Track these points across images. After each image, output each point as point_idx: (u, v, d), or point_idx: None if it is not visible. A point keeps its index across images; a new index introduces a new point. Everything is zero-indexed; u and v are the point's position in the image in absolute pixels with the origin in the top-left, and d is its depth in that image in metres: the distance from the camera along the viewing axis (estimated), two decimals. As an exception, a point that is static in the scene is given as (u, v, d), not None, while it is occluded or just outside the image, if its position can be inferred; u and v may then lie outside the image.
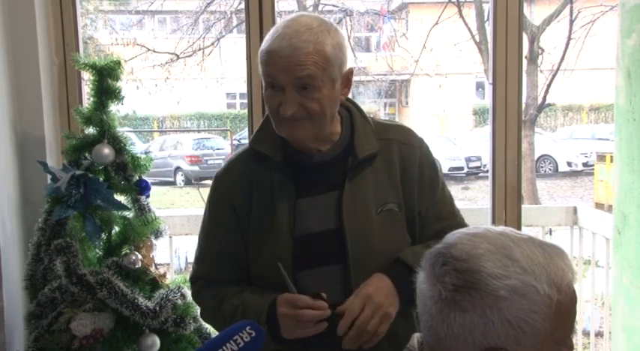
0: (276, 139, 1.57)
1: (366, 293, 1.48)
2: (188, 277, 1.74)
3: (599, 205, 9.78)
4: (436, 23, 9.50)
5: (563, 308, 0.97)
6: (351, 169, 1.55)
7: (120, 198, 2.13)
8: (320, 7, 10.17)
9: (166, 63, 10.33)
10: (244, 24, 2.55)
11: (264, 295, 1.53)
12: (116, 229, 2.16)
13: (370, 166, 1.56)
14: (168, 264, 3.48)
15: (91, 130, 2.17)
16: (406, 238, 1.58)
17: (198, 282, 1.68)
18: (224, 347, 1.57)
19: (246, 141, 2.83)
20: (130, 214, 2.15)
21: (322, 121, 1.49)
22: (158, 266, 2.26)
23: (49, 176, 2.17)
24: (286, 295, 1.48)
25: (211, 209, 1.65)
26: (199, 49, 10.15)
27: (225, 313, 1.58)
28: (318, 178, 1.56)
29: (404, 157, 1.59)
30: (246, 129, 2.69)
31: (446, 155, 12.71)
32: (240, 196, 1.59)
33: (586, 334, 3.95)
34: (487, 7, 8.50)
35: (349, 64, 1.53)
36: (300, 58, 1.43)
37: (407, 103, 16.90)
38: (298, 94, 1.45)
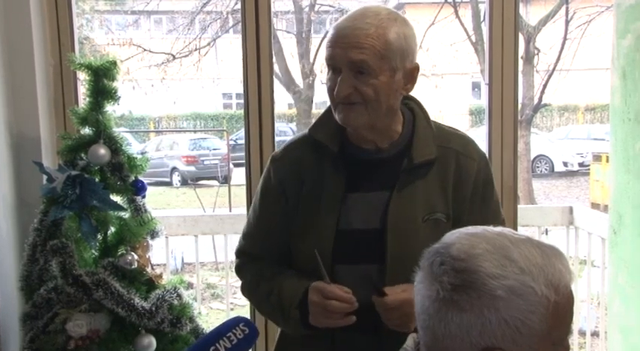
0: (336, 129, 1.56)
1: (407, 298, 1.42)
2: (235, 250, 1.75)
3: (594, 205, 9.80)
4: (432, 23, 9.52)
5: (560, 309, 0.97)
6: (404, 172, 1.53)
7: (116, 198, 2.13)
8: (316, 7, 10.18)
9: (162, 63, 10.33)
10: (240, 24, 2.55)
11: (301, 280, 1.54)
12: (112, 229, 2.16)
13: (425, 172, 1.54)
14: (164, 264, 3.47)
15: (86, 131, 2.16)
16: None
17: (242, 257, 1.70)
18: (217, 344, 1.57)
19: (242, 141, 2.82)
20: (125, 215, 2.15)
21: (376, 108, 1.47)
22: (154, 267, 2.25)
23: (44, 177, 2.17)
24: (318, 284, 1.48)
25: (263, 190, 1.66)
26: (195, 50, 10.15)
27: (262, 292, 1.61)
28: (371, 175, 1.56)
29: (460, 169, 1.56)
30: (243, 129, 2.69)
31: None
32: (292, 181, 1.59)
33: (582, 333, 3.96)
34: (483, 8, 8.51)
35: (416, 59, 1.51)
36: (359, 40, 1.42)
37: (403, 104, 16.91)
38: (354, 77, 1.44)
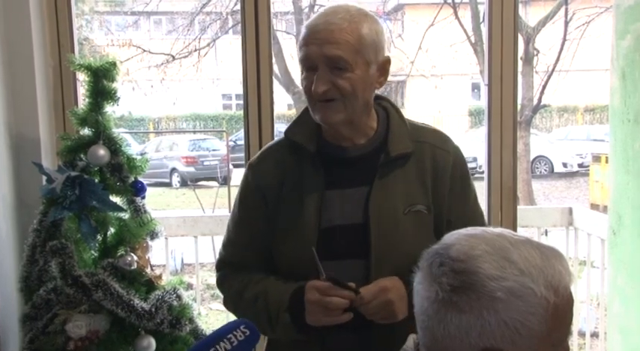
0: (312, 130, 1.59)
1: (383, 286, 1.48)
2: (215, 263, 1.73)
3: (594, 206, 9.80)
4: (432, 24, 9.52)
5: (559, 311, 0.97)
6: (382, 166, 1.55)
7: (115, 199, 2.13)
8: (316, 8, 10.17)
9: (162, 64, 10.32)
10: (240, 25, 2.55)
11: (286, 283, 1.55)
12: (112, 230, 2.16)
13: (402, 166, 1.56)
14: (164, 265, 3.47)
15: (86, 131, 2.16)
16: (432, 240, 1.58)
17: (224, 269, 1.69)
18: (217, 346, 1.57)
19: (241, 142, 2.83)
20: (125, 216, 2.15)
21: (354, 102, 1.50)
22: (154, 267, 2.25)
23: (44, 177, 2.16)
24: (316, 282, 1.48)
25: (242, 197, 1.66)
26: (195, 50, 10.14)
27: (247, 300, 1.60)
28: (349, 172, 1.57)
29: (437, 162, 1.59)
30: (242, 130, 2.69)
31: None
32: (272, 185, 1.60)
33: (581, 334, 3.96)
34: (483, 9, 8.52)
35: (386, 53, 1.54)
36: (334, 35, 1.45)
37: (403, 104, 16.89)
38: (331, 73, 1.46)
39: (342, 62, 1.45)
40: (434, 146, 1.60)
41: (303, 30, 1.51)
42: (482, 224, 1.66)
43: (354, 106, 1.50)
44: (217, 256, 1.73)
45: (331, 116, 1.51)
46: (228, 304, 1.69)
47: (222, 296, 1.72)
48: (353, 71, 1.47)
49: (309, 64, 1.49)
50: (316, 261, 1.47)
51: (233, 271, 1.66)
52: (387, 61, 1.54)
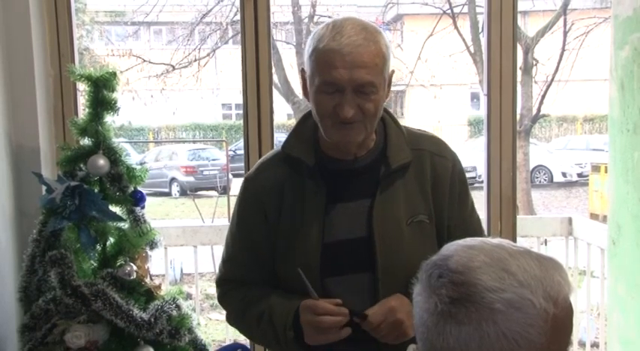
0: (310, 143, 1.56)
1: (389, 306, 1.47)
2: (215, 279, 1.71)
3: (594, 216, 9.79)
4: (431, 34, 9.55)
5: (559, 322, 0.97)
6: (383, 178, 1.54)
7: (115, 209, 2.13)
8: (315, 19, 10.20)
9: (162, 74, 10.34)
10: (240, 35, 2.55)
11: (290, 300, 1.52)
12: (111, 240, 2.15)
13: (402, 176, 1.55)
14: (163, 275, 3.47)
15: (86, 141, 2.17)
16: (435, 249, 1.58)
17: (224, 285, 1.67)
18: (214, 370, 1.56)
19: (241, 151, 2.82)
20: (125, 225, 2.15)
21: (374, 122, 1.49)
22: (153, 277, 2.25)
23: (43, 187, 2.16)
24: (307, 302, 1.47)
25: (240, 211, 1.63)
26: (195, 60, 10.16)
27: (251, 318, 1.58)
28: (350, 185, 1.55)
29: (436, 169, 1.57)
30: (242, 139, 2.69)
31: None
32: (270, 198, 1.57)
33: (582, 344, 3.95)
34: (482, 19, 8.55)
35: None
36: (363, 59, 1.40)
37: (402, 114, 16.94)
38: (357, 96, 1.42)
39: (370, 87, 1.42)
40: (432, 153, 1.59)
41: (322, 51, 1.42)
42: (480, 230, 1.67)
43: (372, 126, 1.49)
44: (217, 272, 1.70)
45: (353, 137, 1.48)
46: (231, 320, 1.67)
47: (224, 311, 1.70)
48: (377, 93, 1.44)
49: (334, 88, 1.42)
50: (305, 282, 1.45)
51: (234, 287, 1.64)
52: (392, 74, 1.53)
